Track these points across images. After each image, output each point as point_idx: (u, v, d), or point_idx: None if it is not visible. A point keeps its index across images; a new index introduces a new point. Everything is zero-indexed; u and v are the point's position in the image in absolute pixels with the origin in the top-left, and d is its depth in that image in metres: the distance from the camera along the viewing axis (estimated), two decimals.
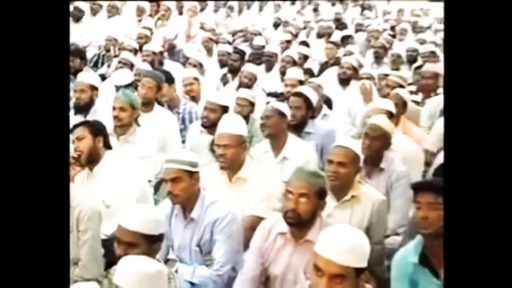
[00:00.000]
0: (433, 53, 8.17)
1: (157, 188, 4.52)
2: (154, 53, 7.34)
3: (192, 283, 3.14)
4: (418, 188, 2.99)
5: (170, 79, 5.81)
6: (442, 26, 12.27)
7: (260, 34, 10.18)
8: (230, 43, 9.12)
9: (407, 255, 2.98)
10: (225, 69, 7.49)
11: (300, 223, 2.98)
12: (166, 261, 3.41)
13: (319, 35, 10.58)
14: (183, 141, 5.25)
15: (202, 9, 11.70)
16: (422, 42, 9.49)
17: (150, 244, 2.67)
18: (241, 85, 6.38)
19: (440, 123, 5.57)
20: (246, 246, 3.30)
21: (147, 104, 5.13)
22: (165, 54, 8.34)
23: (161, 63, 7.46)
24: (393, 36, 10.43)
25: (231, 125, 3.85)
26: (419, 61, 8.06)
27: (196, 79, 6.16)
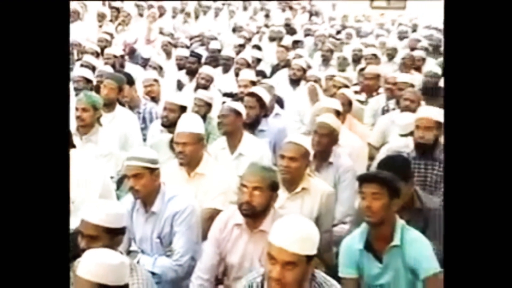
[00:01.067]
0: (374, 56, 8.26)
1: (119, 184, 4.47)
2: (115, 56, 7.26)
3: (153, 273, 3.11)
4: (363, 180, 3.02)
5: (131, 81, 5.75)
6: (382, 31, 12.48)
7: (215, 38, 10.14)
8: (187, 47, 9.07)
9: (353, 242, 3.01)
10: (183, 71, 7.45)
11: (254, 215, 2.98)
12: (129, 252, 3.39)
13: (271, 39, 10.60)
14: (144, 139, 5.20)
15: (161, 15, 11.63)
16: (365, 45, 9.59)
17: (112, 237, 2.64)
18: (198, 86, 6.35)
19: (381, 120, 5.66)
20: (204, 237, 3.29)
21: (109, 105, 5.06)
22: (126, 57, 8.23)
23: (122, 66, 7.36)
24: (337, 39, 10.50)
25: (190, 124, 3.84)
26: (363, 63, 8.14)
27: (155, 80, 6.11)
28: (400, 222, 2.96)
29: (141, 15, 10.82)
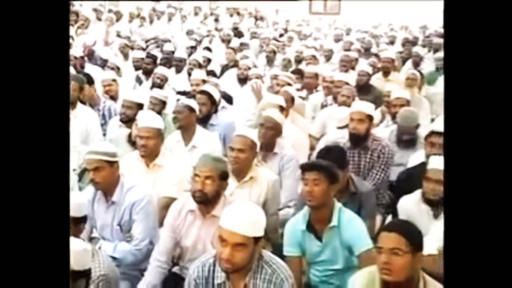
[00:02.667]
0: (314, 57, 8.34)
1: (80, 176, 4.39)
2: (75, 57, 7.10)
3: (114, 258, 3.08)
4: (304, 168, 3.05)
5: (90, 81, 5.64)
6: (320, 35, 12.60)
7: (169, 41, 10.05)
8: (143, 49, 8.95)
9: (296, 223, 3.04)
10: (140, 72, 7.36)
11: (206, 201, 2.98)
12: (90, 239, 3.34)
13: (220, 42, 10.59)
14: (104, 135, 5.12)
15: (118, 19, 11.44)
16: (306, 47, 9.66)
17: (74, 225, 2.60)
18: (154, 85, 6.28)
19: (321, 114, 5.73)
20: (161, 223, 3.27)
21: (71, 103, 4.96)
22: (86, 58, 8.06)
23: (82, 67, 7.21)
24: (280, 42, 10.55)
25: (151, 120, 3.83)
26: (303, 64, 8.21)
27: (114, 80, 6.00)
28: (338, 205, 3.00)
29: (99, 19, 10.60)
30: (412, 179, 3.76)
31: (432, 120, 5.62)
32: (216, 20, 14.41)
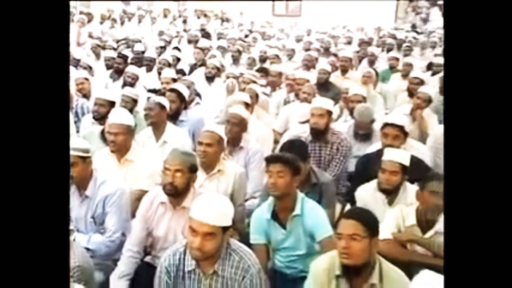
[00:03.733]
0: (277, 56, 8.37)
1: None
2: None
3: (88, 249, 3.03)
4: (269, 160, 3.05)
5: None
6: (282, 35, 12.62)
7: (139, 41, 9.93)
8: (114, 49, 8.84)
9: (261, 213, 3.04)
10: (111, 71, 7.25)
11: (176, 194, 2.95)
12: None
13: (189, 42, 10.51)
14: (77, 131, 5.03)
15: (89, 21, 11.25)
16: (269, 47, 9.67)
17: None
18: (125, 84, 6.21)
19: (284, 110, 5.74)
20: (133, 215, 3.23)
21: None
22: None
23: None
24: (245, 42, 10.53)
25: (121, 116, 3.77)
26: (267, 63, 8.21)
27: (86, 79, 5.90)
28: (300, 195, 3.01)
29: (71, 20, 10.41)
30: (367, 167, 3.82)
31: (387, 114, 5.70)
32: (185, 21, 14.32)
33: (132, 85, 6.08)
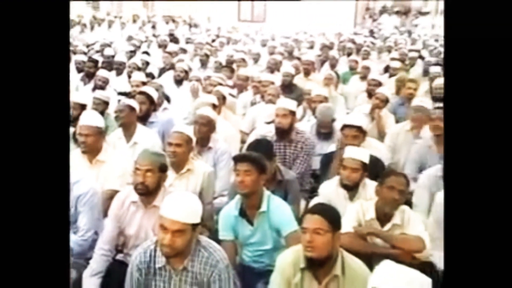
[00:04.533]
0: (243, 60, 8.35)
1: None
2: None
3: None
4: (236, 160, 3.04)
5: None
6: (248, 40, 12.62)
7: (109, 46, 9.78)
8: (85, 53, 8.68)
9: (230, 210, 3.03)
10: (82, 74, 7.12)
11: (147, 193, 2.92)
12: None
13: (158, 46, 10.41)
14: None
15: None
16: (236, 51, 9.66)
17: None
18: (96, 87, 6.11)
19: (250, 111, 5.74)
20: (105, 214, 3.17)
21: None
22: None
23: None
24: (213, 46, 10.48)
25: (91, 118, 3.69)
26: (234, 66, 8.19)
27: None
28: (266, 192, 3.01)
29: None
30: (330, 165, 3.85)
31: (347, 114, 5.76)
32: (153, 27, 14.19)
33: (102, 88, 5.98)
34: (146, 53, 9.21)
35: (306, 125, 5.00)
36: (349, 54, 9.90)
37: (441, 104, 4.69)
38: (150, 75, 7.41)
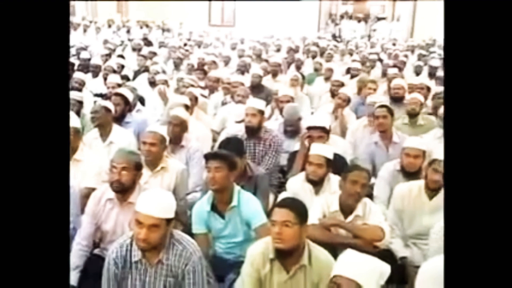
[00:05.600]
0: (214, 62, 8.32)
1: None
2: None
3: None
4: (208, 157, 3.02)
5: None
6: (219, 43, 12.56)
7: (85, 49, 9.60)
8: None
9: (202, 205, 3.01)
10: None
11: (123, 190, 2.88)
12: None
13: (132, 50, 10.27)
14: None
15: None
16: (207, 54, 9.60)
17: None
18: (72, 89, 5.97)
19: (221, 111, 5.71)
20: (83, 211, 3.12)
21: None
22: None
23: None
24: (185, 50, 10.40)
25: None
26: (206, 68, 8.14)
27: None
28: (237, 188, 3.01)
29: None
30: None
31: (312, 113, 5.79)
32: (128, 31, 14.00)
33: (79, 90, 5.86)
34: (121, 56, 9.08)
35: (274, 124, 5.01)
36: (313, 57, 9.96)
37: (382, 102, 4.77)
38: (125, 78, 7.29)
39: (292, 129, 4.65)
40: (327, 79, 7.53)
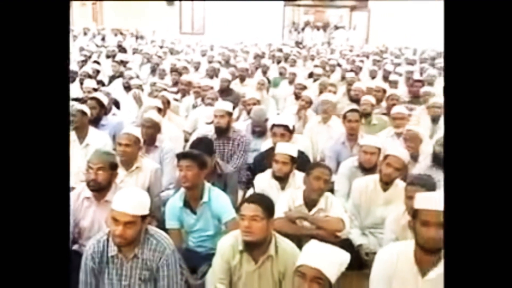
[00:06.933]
0: (185, 68, 8.25)
1: None
2: None
3: None
4: (180, 157, 2.99)
5: None
6: (189, 50, 12.45)
7: None
8: None
9: (175, 202, 2.98)
10: None
11: (100, 189, 2.83)
12: None
13: (107, 57, 10.08)
14: None
15: None
16: (178, 60, 9.50)
17: None
18: None
19: (192, 113, 5.67)
20: None
21: None
22: None
23: None
24: (158, 56, 10.26)
25: None
26: (178, 73, 8.06)
27: None
28: (207, 185, 2.99)
29: None
30: (263, 160, 3.87)
31: (278, 114, 5.81)
32: (103, 39, 13.72)
33: None
34: (97, 62, 8.91)
35: (242, 125, 5.00)
36: (278, 62, 9.99)
37: (355, 106, 4.84)
38: (101, 83, 7.16)
39: (259, 130, 4.65)
40: (291, 82, 7.57)
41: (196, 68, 9.14)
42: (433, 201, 2.08)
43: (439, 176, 3.18)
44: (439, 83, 7.30)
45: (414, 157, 4.01)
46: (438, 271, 2.07)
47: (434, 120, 5.15)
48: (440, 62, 10.25)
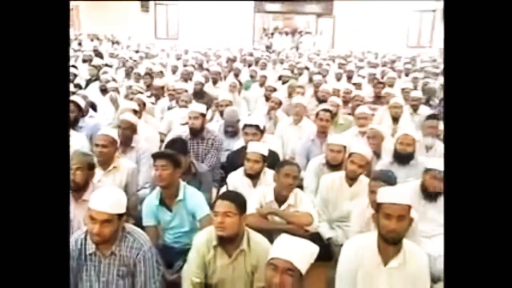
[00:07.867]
0: (161, 72, 8.16)
1: None
2: None
3: None
4: (155, 157, 2.96)
5: None
6: (164, 54, 12.32)
7: None
8: None
9: (151, 200, 2.95)
10: None
11: (78, 189, 2.77)
12: None
13: (83, 61, 9.87)
14: None
15: None
16: (154, 64, 9.39)
17: None
18: None
19: (167, 115, 5.61)
20: None
21: None
22: None
23: None
24: (134, 61, 10.12)
25: None
26: (153, 76, 7.96)
27: None
28: (182, 183, 2.96)
29: None
30: (236, 159, 3.86)
31: (249, 115, 5.81)
32: (79, 44, 13.44)
33: None
34: (74, 66, 8.71)
35: (215, 125, 4.98)
36: (249, 66, 10.00)
37: (325, 106, 4.88)
38: (78, 86, 7.01)
39: (231, 130, 4.64)
40: (261, 85, 7.58)
41: (174, 72, 9.05)
42: (394, 195, 2.14)
43: (399, 172, 3.24)
44: (398, 85, 7.47)
45: (377, 154, 4.08)
46: (399, 260, 2.14)
47: (395, 119, 5.26)
48: (399, 65, 10.48)
